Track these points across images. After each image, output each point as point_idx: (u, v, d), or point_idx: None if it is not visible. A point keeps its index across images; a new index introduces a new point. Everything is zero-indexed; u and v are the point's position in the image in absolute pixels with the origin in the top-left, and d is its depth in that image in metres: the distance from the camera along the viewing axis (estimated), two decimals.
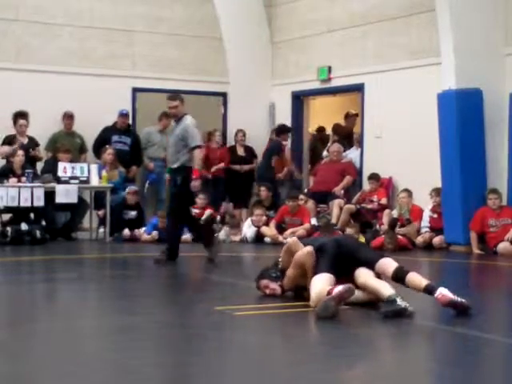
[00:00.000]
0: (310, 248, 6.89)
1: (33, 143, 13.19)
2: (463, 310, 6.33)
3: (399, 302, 6.26)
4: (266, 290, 7.20)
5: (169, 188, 10.65)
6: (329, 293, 6.27)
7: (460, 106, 11.60)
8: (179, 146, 9.91)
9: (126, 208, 13.02)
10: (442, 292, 6.33)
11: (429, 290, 6.42)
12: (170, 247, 9.94)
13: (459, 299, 6.33)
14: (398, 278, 6.62)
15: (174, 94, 10.33)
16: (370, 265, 6.75)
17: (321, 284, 6.50)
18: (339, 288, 6.27)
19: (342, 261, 6.75)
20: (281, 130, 14.77)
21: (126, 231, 12.72)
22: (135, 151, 14.14)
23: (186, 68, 15.24)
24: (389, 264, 6.74)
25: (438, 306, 6.46)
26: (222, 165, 14.73)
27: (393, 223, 12.15)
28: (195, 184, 9.88)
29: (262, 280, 7.25)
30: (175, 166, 9.98)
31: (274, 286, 7.18)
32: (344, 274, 6.70)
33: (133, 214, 13.04)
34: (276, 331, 6.05)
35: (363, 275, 6.70)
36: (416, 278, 6.59)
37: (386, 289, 6.48)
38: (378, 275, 6.76)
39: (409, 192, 12.53)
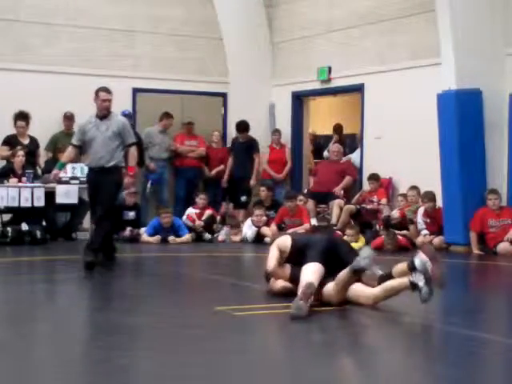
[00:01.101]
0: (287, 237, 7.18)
1: (34, 144, 13.21)
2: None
3: (420, 281, 6.29)
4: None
5: (91, 188, 9.66)
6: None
7: (460, 106, 11.59)
8: (114, 143, 9.39)
9: (123, 209, 12.98)
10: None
11: (412, 266, 6.43)
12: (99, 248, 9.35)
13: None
14: (385, 278, 6.67)
15: (107, 87, 9.67)
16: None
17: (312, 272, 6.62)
18: (301, 288, 6.38)
19: (330, 258, 6.80)
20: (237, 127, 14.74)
21: (127, 231, 12.70)
22: (137, 151, 14.09)
23: (187, 68, 15.24)
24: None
25: (438, 306, 6.49)
26: (222, 167, 14.75)
27: (386, 222, 12.15)
28: (130, 181, 9.60)
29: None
30: (109, 165, 9.37)
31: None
32: (330, 274, 6.76)
33: (131, 214, 13.02)
34: (276, 331, 6.06)
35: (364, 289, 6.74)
36: (398, 266, 6.66)
37: (403, 279, 6.52)
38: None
39: (418, 189, 12.49)
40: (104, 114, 9.41)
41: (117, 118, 9.58)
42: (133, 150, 9.55)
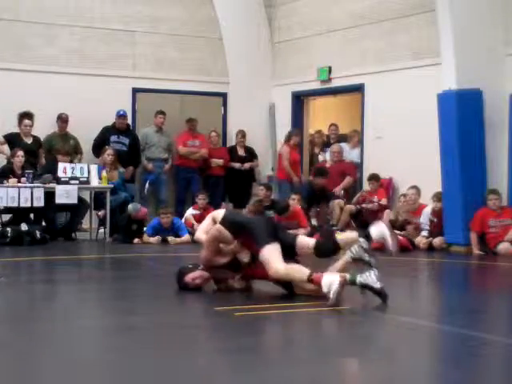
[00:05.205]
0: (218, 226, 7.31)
1: (37, 144, 13.21)
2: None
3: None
4: (197, 281, 7.35)
5: None
6: (313, 280, 6.68)
7: (460, 106, 11.59)
8: None
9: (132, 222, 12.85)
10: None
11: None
12: None
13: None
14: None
15: None
16: (292, 247, 7.12)
17: (279, 256, 6.89)
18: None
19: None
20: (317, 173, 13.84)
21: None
22: (133, 152, 14.10)
23: (186, 68, 15.25)
24: (307, 239, 7.37)
25: (438, 306, 6.49)
26: (220, 161, 14.66)
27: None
28: None
29: (186, 276, 7.40)
30: None
31: (201, 273, 7.36)
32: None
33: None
34: (275, 332, 6.05)
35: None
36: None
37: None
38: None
39: (417, 189, 12.48)
40: None
41: None
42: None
